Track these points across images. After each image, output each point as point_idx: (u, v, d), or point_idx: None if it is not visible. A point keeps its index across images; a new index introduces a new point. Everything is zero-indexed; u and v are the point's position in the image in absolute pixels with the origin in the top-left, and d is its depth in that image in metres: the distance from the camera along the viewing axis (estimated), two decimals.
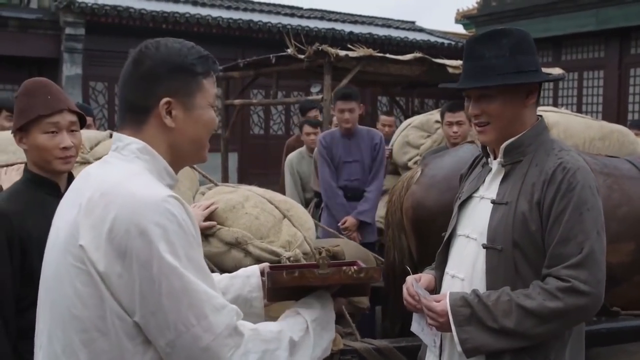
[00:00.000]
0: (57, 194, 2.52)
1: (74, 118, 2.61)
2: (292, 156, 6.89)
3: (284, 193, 6.95)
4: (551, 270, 2.12)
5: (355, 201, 5.54)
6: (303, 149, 6.91)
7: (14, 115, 2.61)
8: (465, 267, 2.31)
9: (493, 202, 2.26)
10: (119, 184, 1.57)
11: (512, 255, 2.17)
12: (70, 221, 1.59)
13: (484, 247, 2.24)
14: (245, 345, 1.58)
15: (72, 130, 2.60)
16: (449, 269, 2.40)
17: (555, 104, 15.61)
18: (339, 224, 5.45)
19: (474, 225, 2.33)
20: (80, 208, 1.58)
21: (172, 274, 1.50)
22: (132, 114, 1.72)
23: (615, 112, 15.16)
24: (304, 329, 1.76)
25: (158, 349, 1.53)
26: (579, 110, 15.06)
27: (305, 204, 6.51)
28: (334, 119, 6.84)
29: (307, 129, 6.88)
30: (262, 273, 2.08)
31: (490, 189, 2.32)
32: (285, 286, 1.89)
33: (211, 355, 1.53)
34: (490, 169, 2.37)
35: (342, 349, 3.14)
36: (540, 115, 2.37)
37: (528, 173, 2.21)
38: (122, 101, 1.75)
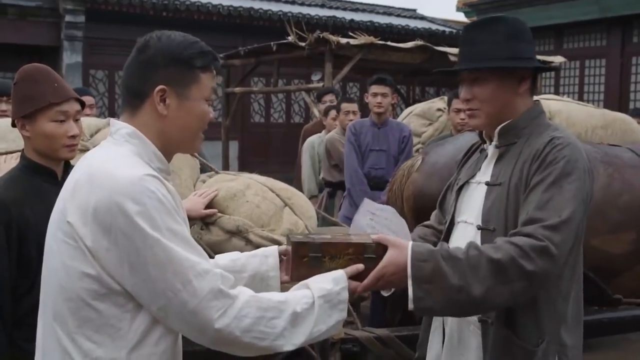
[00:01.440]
0: (55, 182, 2.55)
1: (79, 107, 2.63)
2: (313, 138, 6.93)
3: (299, 179, 6.99)
4: (523, 228, 2.02)
5: (377, 190, 5.55)
6: (323, 133, 6.91)
7: (16, 101, 2.58)
8: None
9: (487, 183, 2.26)
10: (102, 165, 1.68)
11: (504, 234, 2.13)
12: (63, 199, 1.73)
13: (478, 229, 2.23)
14: (240, 309, 1.67)
15: (76, 120, 2.61)
16: None
17: (556, 92, 15.55)
18: None
19: (471, 210, 2.32)
20: (70, 188, 1.71)
21: (156, 245, 1.60)
22: (129, 99, 1.81)
23: (617, 100, 15.11)
24: (310, 303, 1.79)
25: (152, 313, 1.66)
26: (581, 99, 15.01)
27: (321, 188, 6.55)
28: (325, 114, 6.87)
29: (333, 113, 6.84)
30: (280, 255, 2.14)
31: (485, 174, 2.32)
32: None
33: (199, 317, 1.63)
34: (487, 155, 2.36)
35: (343, 338, 3.14)
36: (537, 100, 2.36)
37: (522, 153, 2.20)
38: (122, 86, 1.85)
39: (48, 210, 2.42)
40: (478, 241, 2.19)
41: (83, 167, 1.73)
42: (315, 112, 7.97)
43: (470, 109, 2.28)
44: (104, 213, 1.60)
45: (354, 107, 6.36)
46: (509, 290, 1.97)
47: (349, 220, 5.31)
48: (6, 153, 3.18)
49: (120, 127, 1.79)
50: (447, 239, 2.42)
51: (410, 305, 1.98)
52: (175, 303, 1.61)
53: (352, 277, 1.94)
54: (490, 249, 1.99)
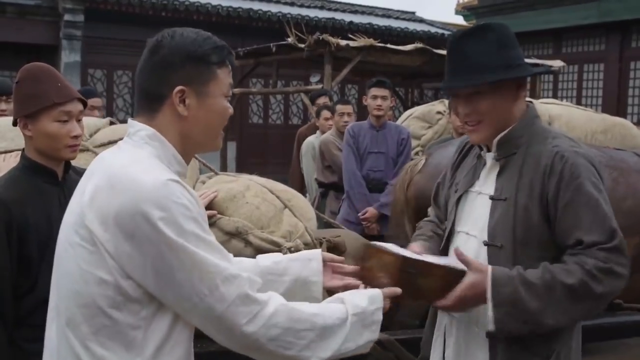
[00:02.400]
0: (55, 182, 2.54)
1: (82, 107, 2.61)
2: (311, 139, 6.98)
3: (295, 181, 7.00)
4: (583, 251, 2.06)
5: (375, 192, 5.57)
6: (318, 133, 6.99)
7: (18, 100, 2.55)
8: None
9: (491, 198, 2.22)
10: (123, 169, 1.62)
11: (513, 251, 2.13)
12: (80, 203, 1.65)
13: (485, 245, 2.20)
14: (270, 318, 1.65)
15: (79, 120, 2.59)
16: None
17: (555, 96, 15.59)
18: (359, 214, 5.46)
19: (473, 222, 2.30)
20: (89, 191, 1.64)
21: (181, 251, 1.57)
22: (146, 102, 1.75)
23: (615, 105, 15.15)
24: (343, 318, 1.77)
25: (178, 313, 1.63)
26: (579, 103, 15.03)
27: None
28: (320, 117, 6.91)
29: (325, 113, 6.93)
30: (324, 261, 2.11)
31: (486, 184, 2.28)
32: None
33: (226, 322, 1.62)
34: (485, 163, 2.32)
35: None
36: (530, 102, 2.33)
37: (524, 165, 2.17)
38: (138, 89, 1.78)
39: (48, 210, 2.41)
40: (484, 255, 2.19)
41: (102, 170, 1.67)
42: (314, 114, 7.97)
43: (471, 123, 2.23)
44: (127, 219, 1.55)
45: (348, 108, 6.38)
46: (579, 310, 2.07)
47: (348, 223, 5.34)
48: (5, 152, 3.16)
49: (139, 128, 1.73)
50: (446, 247, 2.40)
51: (491, 326, 2.06)
52: (202, 308, 1.60)
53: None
54: (563, 272, 2.04)
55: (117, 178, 1.60)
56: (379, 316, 1.86)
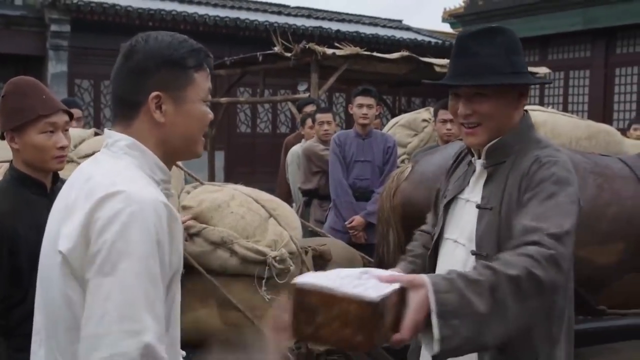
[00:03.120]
0: (44, 193, 2.57)
1: (67, 118, 2.63)
2: (296, 148, 6.95)
3: (283, 189, 6.99)
4: (527, 236, 1.89)
5: (362, 201, 5.57)
6: (303, 142, 6.95)
7: (5, 114, 2.57)
8: (457, 264, 2.22)
9: (478, 206, 2.20)
10: (100, 183, 1.55)
11: None
12: (58, 219, 1.61)
13: (472, 254, 2.18)
14: None
15: (65, 130, 2.61)
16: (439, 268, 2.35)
17: (541, 103, 15.65)
18: (346, 223, 5.47)
19: (461, 230, 2.27)
20: (66, 206, 1.59)
21: (120, 278, 1.45)
22: (122, 110, 1.68)
23: (601, 111, 15.23)
24: None
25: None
26: (565, 110, 15.10)
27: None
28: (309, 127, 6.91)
29: (310, 122, 6.88)
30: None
31: (474, 192, 2.25)
32: None
33: None
34: (475, 169, 2.29)
35: (328, 349, 3.12)
36: (525, 111, 2.28)
37: (510, 175, 2.13)
38: (113, 97, 1.72)
39: (37, 221, 2.38)
40: (471, 264, 2.13)
41: (79, 183, 1.61)
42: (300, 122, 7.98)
43: (470, 125, 2.19)
44: (97, 232, 1.47)
45: (328, 117, 6.36)
46: (527, 308, 1.81)
47: (334, 231, 5.35)
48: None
49: (118, 138, 1.66)
50: (434, 253, 2.38)
51: (436, 348, 1.68)
52: (88, 333, 1.45)
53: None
54: (504, 265, 1.80)
55: (95, 193, 1.52)
56: None
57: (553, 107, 12.06)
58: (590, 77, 15.95)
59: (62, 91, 13.67)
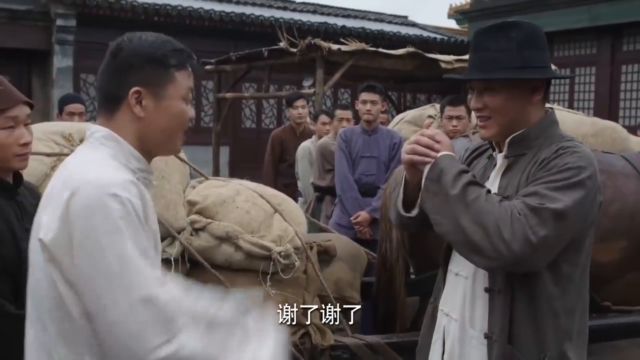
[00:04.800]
0: (9, 195, 2.36)
1: (29, 110, 2.40)
2: (306, 144, 6.97)
3: (268, 182, 6.99)
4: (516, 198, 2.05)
5: (367, 196, 5.58)
6: (314, 138, 6.99)
7: None
8: (468, 263, 2.22)
9: (495, 195, 2.17)
10: (76, 172, 1.63)
11: None
12: (41, 207, 1.69)
13: None
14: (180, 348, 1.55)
15: (26, 124, 2.39)
16: (452, 267, 2.36)
17: (547, 100, 15.60)
18: (351, 218, 5.48)
19: None
20: (46, 195, 1.68)
21: (111, 256, 1.52)
22: (105, 104, 1.77)
23: (606, 108, 15.19)
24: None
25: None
26: (571, 107, 15.08)
27: None
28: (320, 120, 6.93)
29: (323, 118, 6.93)
30: None
31: (494, 184, 2.25)
32: None
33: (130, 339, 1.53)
34: (496, 164, 2.30)
35: (332, 345, 3.13)
36: (551, 108, 2.29)
37: (528, 166, 2.14)
38: (98, 92, 1.83)
39: (7, 221, 2.26)
40: None
41: (59, 173, 1.71)
42: (309, 118, 7.95)
43: (482, 118, 2.22)
44: (76, 219, 1.54)
45: (347, 114, 6.40)
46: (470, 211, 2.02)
47: (340, 227, 5.35)
48: None
49: (94, 130, 1.75)
50: (449, 247, 2.37)
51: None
52: (106, 314, 1.53)
53: None
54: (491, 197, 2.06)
55: (70, 182, 1.60)
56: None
57: (559, 104, 12.04)
58: (596, 74, 15.92)
59: (67, 86, 13.70)
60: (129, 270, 1.53)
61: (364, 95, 5.71)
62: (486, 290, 2.18)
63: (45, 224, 1.60)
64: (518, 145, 2.20)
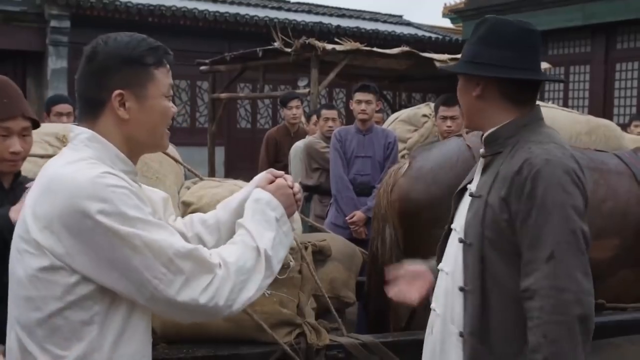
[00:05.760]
0: (2, 193, 2.53)
1: (27, 124, 2.55)
2: (299, 144, 6.92)
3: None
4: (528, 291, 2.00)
5: (363, 196, 5.60)
6: (307, 138, 6.94)
7: None
8: (450, 261, 2.28)
9: (471, 194, 2.23)
10: (59, 171, 1.65)
11: (480, 250, 2.10)
12: (24, 212, 1.69)
13: (459, 242, 2.21)
14: (223, 281, 1.69)
15: (24, 135, 2.55)
16: (441, 264, 2.37)
17: (541, 99, 15.64)
18: (347, 218, 5.49)
19: (459, 219, 2.30)
20: (31, 200, 1.68)
21: (131, 238, 1.59)
22: (88, 108, 1.78)
23: (601, 106, 15.22)
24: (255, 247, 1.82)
25: (142, 303, 1.65)
26: (565, 105, 15.10)
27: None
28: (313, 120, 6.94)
29: (314, 119, 6.98)
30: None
31: (475, 182, 2.27)
32: None
33: (188, 292, 1.64)
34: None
35: (328, 344, 3.12)
36: (536, 107, 2.26)
37: (502, 166, 2.12)
38: (78, 97, 1.81)
39: None
40: (461, 253, 2.19)
41: (42, 177, 1.71)
42: (305, 118, 7.95)
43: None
44: (69, 218, 1.57)
45: (333, 114, 6.41)
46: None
47: (335, 226, 5.36)
48: None
49: (79, 132, 1.76)
50: (443, 245, 2.40)
51: None
52: (163, 286, 1.61)
53: None
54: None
55: (54, 181, 1.63)
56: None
57: (553, 103, 12.07)
58: (591, 73, 15.94)
59: (62, 87, 13.67)
60: (152, 242, 1.61)
61: (359, 95, 5.72)
62: (460, 289, 2.20)
63: (35, 225, 1.62)
64: (493, 143, 2.22)
